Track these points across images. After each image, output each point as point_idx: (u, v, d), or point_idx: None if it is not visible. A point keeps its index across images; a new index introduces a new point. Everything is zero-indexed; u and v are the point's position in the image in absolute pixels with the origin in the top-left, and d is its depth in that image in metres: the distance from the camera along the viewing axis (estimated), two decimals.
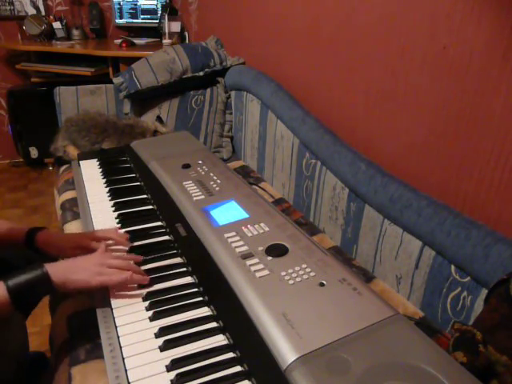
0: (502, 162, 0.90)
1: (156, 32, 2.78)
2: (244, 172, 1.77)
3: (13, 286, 0.72)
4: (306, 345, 0.63)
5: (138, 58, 2.01)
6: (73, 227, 1.35)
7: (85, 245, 0.94)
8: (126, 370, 0.67)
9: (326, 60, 1.42)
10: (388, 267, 1.10)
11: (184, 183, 1.14)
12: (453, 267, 0.93)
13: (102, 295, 0.83)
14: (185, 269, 0.90)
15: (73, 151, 1.65)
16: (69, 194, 1.54)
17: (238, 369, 0.67)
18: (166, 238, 1.01)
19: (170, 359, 0.68)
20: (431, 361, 0.60)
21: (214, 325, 0.76)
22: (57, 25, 2.87)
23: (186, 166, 1.24)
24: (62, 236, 1.01)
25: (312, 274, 0.77)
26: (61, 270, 0.78)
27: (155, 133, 1.70)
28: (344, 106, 1.37)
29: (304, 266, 0.80)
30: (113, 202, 1.16)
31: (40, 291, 0.77)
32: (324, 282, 0.75)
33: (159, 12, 2.80)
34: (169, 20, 2.55)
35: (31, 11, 2.89)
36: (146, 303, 0.80)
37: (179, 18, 2.66)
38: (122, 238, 0.98)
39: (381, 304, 0.71)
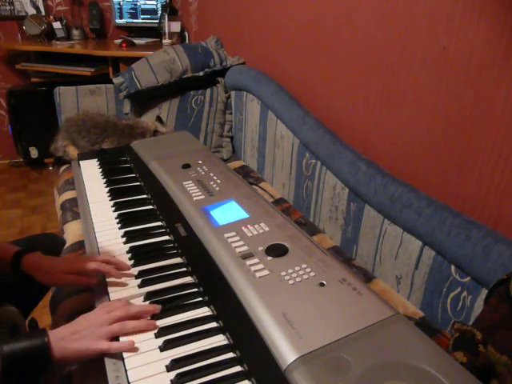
0: (502, 162, 0.90)
1: (156, 32, 2.78)
2: (244, 172, 1.77)
3: (7, 354, 0.64)
4: (306, 345, 0.63)
5: (137, 58, 2.01)
6: (73, 227, 1.35)
7: (79, 268, 0.85)
8: (125, 370, 0.66)
9: (326, 60, 1.42)
10: (388, 267, 1.10)
11: (184, 183, 1.14)
12: (453, 267, 0.93)
13: (101, 296, 0.83)
14: (185, 269, 0.90)
15: (73, 151, 1.65)
16: (69, 194, 1.54)
17: (238, 369, 0.67)
18: (166, 238, 1.01)
19: (170, 359, 0.68)
20: (431, 361, 0.60)
21: (214, 325, 0.76)
22: (57, 25, 2.87)
23: (186, 166, 1.24)
24: (52, 260, 0.91)
25: (312, 274, 0.77)
26: (64, 339, 0.68)
27: (155, 133, 1.70)
28: (344, 106, 1.37)
29: (304, 265, 0.80)
30: (113, 202, 1.16)
31: (36, 365, 0.66)
32: (324, 281, 0.75)
33: (159, 12, 2.80)
34: (169, 20, 2.55)
35: (31, 11, 2.89)
36: (146, 303, 0.80)
37: (179, 18, 2.66)
38: (121, 263, 0.88)
39: (381, 304, 0.71)
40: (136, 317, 0.74)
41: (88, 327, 0.70)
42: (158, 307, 0.76)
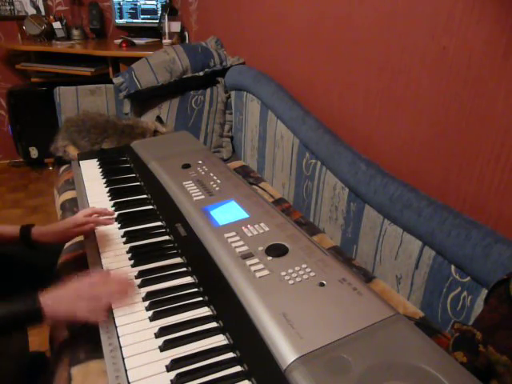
0: (502, 162, 0.90)
1: (156, 32, 2.78)
2: (244, 172, 1.77)
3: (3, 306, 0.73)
4: (306, 345, 0.63)
5: (137, 58, 2.01)
6: None
7: (83, 221, 1.00)
8: (125, 370, 0.67)
9: (326, 60, 1.42)
10: (388, 267, 1.10)
11: (184, 183, 1.14)
12: (453, 267, 0.93)
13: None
14: (185, 269, 0.90)
15: (73, 151, 1.65)
16: (69, 194, 1.54)
17: (238, 369, 0.67)
18: (166, 238, 1.01)
19: (170, 359, 0.68)
20: (431, 361, 0.60)
21: (214, 325, 0.76)
22: (57, 25, 2.87)
23: (186, 166, 1.24)
24: (54, 225, 1.03)
25: (312, 274, 0.77)
26: (54, 302, 0.77)
27: (155, 133, 1.70)
28: (344, 106, 1.37)
29: (304, 265, 0.80)
30: (113, 202, 1.16)
31: (29, 323, 0.77)
32: (324, 281, 0.75)
33: (159, 12, 2.80)
34: (169, 20, 2.55)
35: (31, 11, 2.89)
36: (146, 303, 0.80)
37: (179, 18, 2.66)
38: (105, 210, 1.06)
39: (381, 304, 0.71)
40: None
41: (75, 298, 0.78)
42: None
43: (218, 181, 1.15)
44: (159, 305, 0.80)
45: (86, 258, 0.95)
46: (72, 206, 1.46)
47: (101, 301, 0.78)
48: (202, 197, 1.07)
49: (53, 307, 0.75)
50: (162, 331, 0.74)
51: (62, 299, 0.78)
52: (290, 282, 0.76)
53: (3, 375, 0.95)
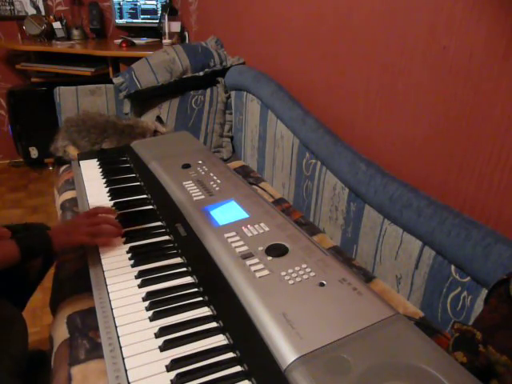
0: (502, 162, 0.90)
1: (156, 32, 2.78)
2: (244, 172, 1.77)
3: (21, 239, 0.88)
4: (305, 345, 0.63)
5: (137, 58, 2.01)
6: None
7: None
8: (125, 370, 0.67)
9: (326, 60, 1.42)
10: (388, 267, 1.10)
11: (184, 183, 1.14)
12: (453, 267, 0.93)
13: (101, 294, 0.83)
14: (185, 269, 0.90)
15: (73, 151, 1.65)
16: (69, 194, 1.54)
17: (238, 369, 0.67)
18: (166, 238, 1.01)
19: (170, 359, 0.68)
20: (431, 361, 0.60)
21: (214, 325, 0.76)
22: (57, 25, 2.87)
23: (186, 166, 1.24)
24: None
25: (312, 274, 0.77)
26: (59, 233, 0.93)
27: (155, 133, 1.70)
28: (344, 106, 1.37)
29: (304, 265, 0.80)
30: (113, 202, 1.16)
31: (41, 248, 0.91)
32: (324, 281, 0.75)
33: (159, 12, 2.80)
34: (169, 20, 2.56)
35: (31, 11, 2.89)
36: (146, 303, 0.80)
37: (179, 18, 2.66)
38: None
39: (381, 304, 0.71)
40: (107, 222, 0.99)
41: (74, 227, 0.95)
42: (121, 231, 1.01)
43: (218, 181, 1.15)
44: (159, 305, 0.80)
45: (85, 258, 0.95)
46: (72, 206, 1.46)
47: (98, 225, 0.96)
48: (202, 197, 1.07)
49: (58, 237, 0.91)
50: (162, 331, 0.74)
51: (63, 230, 0.95)
52: (290, 281, 0.76)
53: (3, 374, 0.95)
